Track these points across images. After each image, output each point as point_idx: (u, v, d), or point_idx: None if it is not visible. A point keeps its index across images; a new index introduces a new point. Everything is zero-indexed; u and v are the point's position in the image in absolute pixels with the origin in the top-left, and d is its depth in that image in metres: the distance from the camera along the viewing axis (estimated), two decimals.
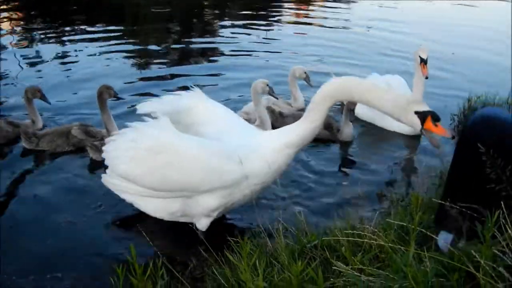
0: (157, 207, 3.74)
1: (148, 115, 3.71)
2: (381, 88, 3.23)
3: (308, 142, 3.52)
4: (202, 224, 3.69)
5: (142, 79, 7.70)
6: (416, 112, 3.00)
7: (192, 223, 3.75)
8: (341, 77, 3.31)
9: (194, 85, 4.13)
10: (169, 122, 3.47)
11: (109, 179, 3.82)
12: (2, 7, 13.39)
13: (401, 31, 11.68)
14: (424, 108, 3.00)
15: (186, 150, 3.38)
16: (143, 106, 3.86)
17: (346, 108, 5.53)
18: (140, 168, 3.48)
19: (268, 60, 8.92)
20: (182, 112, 3.80)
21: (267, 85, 5.52)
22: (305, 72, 6.41)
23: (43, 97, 5.63)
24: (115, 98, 5.39)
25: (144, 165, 3.46)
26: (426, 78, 5.61)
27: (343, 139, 5.66)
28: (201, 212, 3.62)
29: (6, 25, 11.32)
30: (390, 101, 3.07)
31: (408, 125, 3.10)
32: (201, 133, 3.70)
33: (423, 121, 2.99)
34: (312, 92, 6.01)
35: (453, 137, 3.22)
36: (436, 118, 2.98)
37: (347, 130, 5.61)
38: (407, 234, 2.64)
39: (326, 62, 8.85)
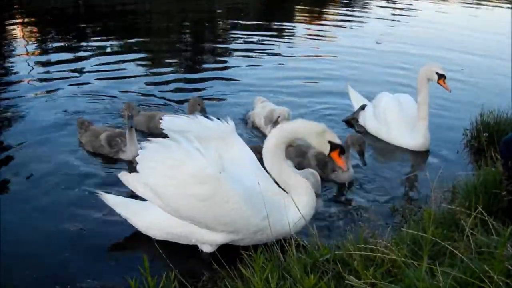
0: (153, 224, 3.77)
1: (175, 131, 3.66)
2: (301, 125, 3.77)
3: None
4: (206, 248, 3.74)
5: (155, 88, 7.83)
6: (330, 142, 3.73)
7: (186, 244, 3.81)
8: (281, 126, 3.80)
9: (229, 118, 4.10)
10: (217, 157, 3.52)
11: (130, 180, 3.80)
12: (16, 16, 13.70)
13: (411, 46, 11.67)
14: (337, 141, 3.77)
15: (229, 190, 3.39)
16: (171, 122, 3.81)
17: (347, 148, 4.88)
18: (174, 189, 3.47)
19: (278, 74, 8.95)
20: (210, 139, 3.76)
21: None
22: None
23: (202, 110, 5.77)
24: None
25: (180, 189, 3.44)
26: (450, 91, 5.72)
27: (338, 180, 5.07)
28: (206, 242, 3.69)
29: (19, 35, 11.56)
30: (313, 132, 3.72)
31: (319, 149, 3.86)
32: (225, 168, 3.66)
33: (331, 150, 3.77)
34: None
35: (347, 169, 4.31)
36: (342, 152, 3.83)
37: (344, 175, 4.98)
38: (420, 248, 2.64)
39: (336, 78, 8.91)
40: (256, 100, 6.59)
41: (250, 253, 2.82)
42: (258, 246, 2.93)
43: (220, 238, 3.60)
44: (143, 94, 7.53)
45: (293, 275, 2.69)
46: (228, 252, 3.55)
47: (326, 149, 3.77)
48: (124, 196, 4.11)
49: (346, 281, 2.53)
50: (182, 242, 3.79)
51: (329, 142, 3.72)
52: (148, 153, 3.64)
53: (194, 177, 3.39)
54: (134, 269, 3.44)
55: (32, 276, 3.52)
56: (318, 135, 3.71)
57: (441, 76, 5.53)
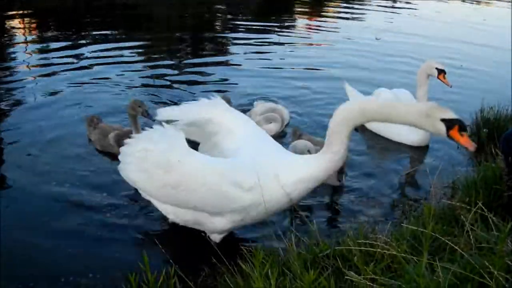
0: (171, 212, 3.66)
1: (168, 121, 3.60)
2: (401, 104, 3.11)
3: (330, 175, 3.40)
4: (215, 237, 3.69)
5: (155, 86, 7.78)
6: (443, 120, 2.89)
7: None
8: (358, 101, 3.22)
9: (214, 94, 4.07)
10: (182, 137, 3.34)
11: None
12: (14, 12, 13.66)
13: (410, 42, 11.65)
14: (450, 115, 2.90)
15: (196, 172, 3.25)
16: (163, 112, 3.79)
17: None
18: (149, 181, 3.41)
19: (279, 70, 8.91)
20: (202, 121, 3.73)
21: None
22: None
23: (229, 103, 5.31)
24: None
25: (153, 180, 3.37)
26: (451, 86, 5.68)
27: (327, 182, 4.79)
28: (213, 229, 3.61)
29: (18, 31, 11.48)
30: (415, 112, 2.96)
31: (432, 132, 3.03)
32: (219, 145, 3.62)
33: (449, 129, 2.91)
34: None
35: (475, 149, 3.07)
36: (463, 128, 2.91)
37: (332, 180, 4.79)
38: (420, 244, 2.64)
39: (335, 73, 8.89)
40: (255, 104, 6.58)
41: (250, 248, 2.82)
42: (258, 242, 2.92)
43: (223, 223, 3.48)
44: (143, 86, 7.58)
45: (293, 271, 2.69)
46: (228, 248, 3.54)
47: (440, 129, 2.93)
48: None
49: (346, 277, 2.53)
50: (199, 229, 3.69)
51: (442, 120, 2.90)
52: (127, 149, 3.59)
53: (159, 166, 3.30)
54: (134, 265, 3.45)
55: (32, 272, 3.52)
56: (426, 116, 2.93)
57: (441, 72, 5.52)
